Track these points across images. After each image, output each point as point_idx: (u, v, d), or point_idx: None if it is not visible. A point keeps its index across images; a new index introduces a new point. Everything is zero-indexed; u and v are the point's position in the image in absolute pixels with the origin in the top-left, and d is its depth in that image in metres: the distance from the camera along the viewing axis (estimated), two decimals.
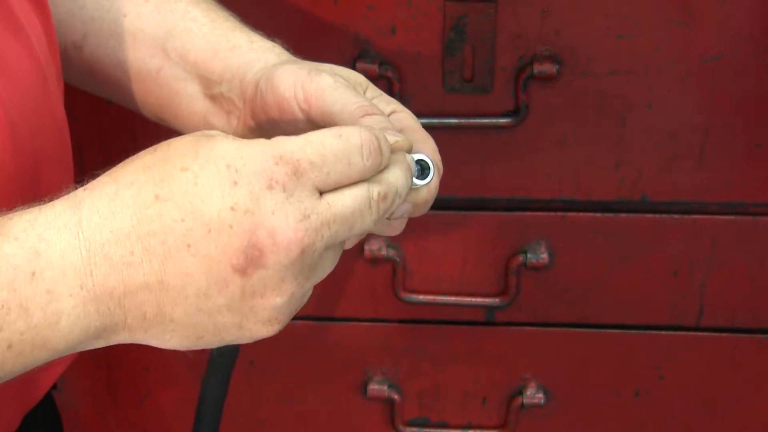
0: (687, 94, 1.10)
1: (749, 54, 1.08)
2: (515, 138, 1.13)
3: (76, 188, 0.65)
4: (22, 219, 0.63)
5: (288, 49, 0.81)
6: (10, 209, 0.64)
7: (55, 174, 0.79)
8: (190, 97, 0.83)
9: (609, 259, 1.19)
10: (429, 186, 0.71)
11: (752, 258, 1.18)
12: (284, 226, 0.62)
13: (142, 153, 0.65)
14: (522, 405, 1.27)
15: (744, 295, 1.20)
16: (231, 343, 0.67)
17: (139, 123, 1.15)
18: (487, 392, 1.29)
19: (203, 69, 0.81)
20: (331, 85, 0.73)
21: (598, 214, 1.17)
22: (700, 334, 1.23)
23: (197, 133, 0.65)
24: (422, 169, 0.70)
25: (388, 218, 0.71)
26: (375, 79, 1.09)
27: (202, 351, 0.70)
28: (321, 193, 0.64)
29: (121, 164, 0.65)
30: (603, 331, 1.24)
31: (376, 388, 1.28)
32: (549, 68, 1.09)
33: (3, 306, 0.61)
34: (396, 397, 1.28)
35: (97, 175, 0.65)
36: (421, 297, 1.22)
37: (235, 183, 0.62)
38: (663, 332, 1.23)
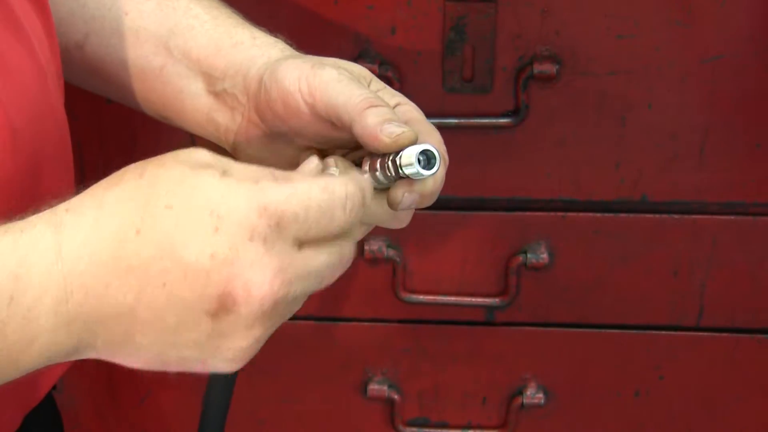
0: (687, 94, 1.10)
1: (749, 54, 1.08)
2: (515, 138, 1.13)
3: (77, 191, 0.65)
4: (2, 241, 0.63)
5: (291, 45, 0.81)
6: (9, 210, 0.64)
7: (55, 175, 0.79)
8: (193, 95, 0.82)
9: (609, 259, 1.19)
10: (435, 176, 0.71)
11: (752, 258, 1.18)
12: (260, 279, 0.62)
13: (129, 173, 0.65)
14: (522, 405, 1.27)
15: (744, 295, 1.20)
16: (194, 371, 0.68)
17: (139, 122, 1.15)
18: (487, 392, 1.29)
19: (206, 66, 0.81)
20: (335, 78, 0.73)
21: (598, 214, 1.17)
22: (700, 334, 1.23)
23: (186, 162, 0.64)
24: (428, 160, 0.69)
25: (395, 210, 0.72)
26: None
27: None
28: (300, 243, 0.64)
29: (106, 183, 0.65)
30: (603, 331, 1.24)
31: (376, 388, 1.28)
32: (549, 68, 1.09)
33: None
34: (396, 397, 1.28)
35: (85, 186, 0.65)
36: (421, 297, 1.22)
37: (217, 230, 0.62)
38: (663, 332, 1.23)
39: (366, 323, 1.25)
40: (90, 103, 1.13)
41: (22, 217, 0.65)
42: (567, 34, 1.08)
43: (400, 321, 1.25)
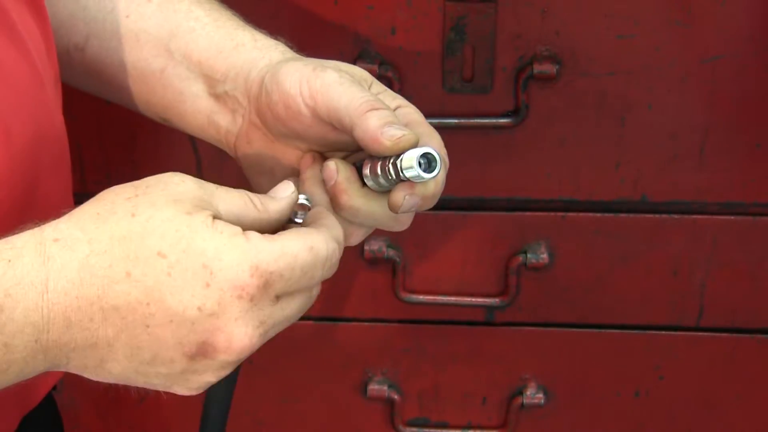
0: (687, 94, 1.10)
1: (749, 54, 1.08)
2: (515, 138, 1.13)
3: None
4: None
5: (291, 47, 0.81)
6: (5, 215, 0.65)
7: (52, 181, 0.78)
8: (194, 97, 0.82)
9: (609, 259, 1.19)
10: (436, 179, 0.71)
11: (752, 258, 1.18)
12: (242, 333, 0.65)
13: (120, 207, 0.65)
14: (522, 405, 1.27)
15: (744, 295, 1.21)
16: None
17: (139, 123, 1.14)
18: (487, 392, 1.29)
19: (207, 68, 0.81)
20: (336, 80, 0.73)
21: (598, 214, 1.17)
22: (700, 334, 1.23)
23: (177, 200, 0.65)
24: (429, 163, 0.70)
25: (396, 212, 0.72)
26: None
27: None
28: (278, 296, 0.67)
29: (96, 212, 0.65)
30: (603, 331, 1.24)
31: (376, 388, 1.28)
32: (549, 68, 1.09)
33: None
34: (396, 397, 1.28)
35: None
36: (421, 297, 1.22)
37: (208, 285, 0.64)
38: (663, 332, 1.23)
39: (366, 323, 1.25)
40: (89, 104, 1.13)
41: (16, 230, 0.65)
42: (567, 34, 1.08)
43: (400, 321, 1.25)
